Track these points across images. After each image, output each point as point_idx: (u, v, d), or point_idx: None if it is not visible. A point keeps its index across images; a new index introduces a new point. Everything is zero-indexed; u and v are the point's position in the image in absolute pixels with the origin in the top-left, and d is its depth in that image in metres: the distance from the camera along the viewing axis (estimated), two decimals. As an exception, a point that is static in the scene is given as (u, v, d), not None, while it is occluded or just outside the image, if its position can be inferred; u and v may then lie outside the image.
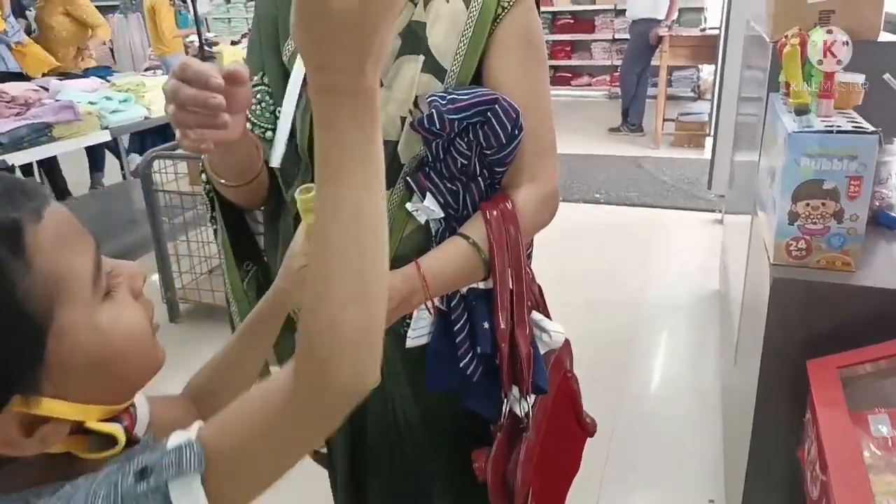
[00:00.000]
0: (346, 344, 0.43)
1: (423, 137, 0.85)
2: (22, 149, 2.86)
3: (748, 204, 2.00)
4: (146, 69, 5.09)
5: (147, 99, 3.48)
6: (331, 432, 0.48)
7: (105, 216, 4.14)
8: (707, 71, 7.17)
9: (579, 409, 1.03)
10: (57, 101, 3.19)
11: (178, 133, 0.72)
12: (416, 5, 0.88)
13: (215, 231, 1.00)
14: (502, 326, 0.87)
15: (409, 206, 0.88)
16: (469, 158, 0.87)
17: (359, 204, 0.44)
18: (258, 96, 0.95)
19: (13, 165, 2.79)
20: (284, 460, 0.47)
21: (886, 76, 1.33)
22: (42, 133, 2.96)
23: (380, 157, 0.46)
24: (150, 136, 4.21)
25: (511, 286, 0.88)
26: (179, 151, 2.69)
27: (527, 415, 0.91)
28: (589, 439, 1.06)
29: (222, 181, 0.88)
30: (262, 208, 1.01)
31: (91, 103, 3.25)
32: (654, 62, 5.87)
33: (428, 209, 0.88)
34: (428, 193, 0.88)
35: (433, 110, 0.82)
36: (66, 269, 0.46)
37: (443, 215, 0.89)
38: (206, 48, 5.71)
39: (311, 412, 0.45)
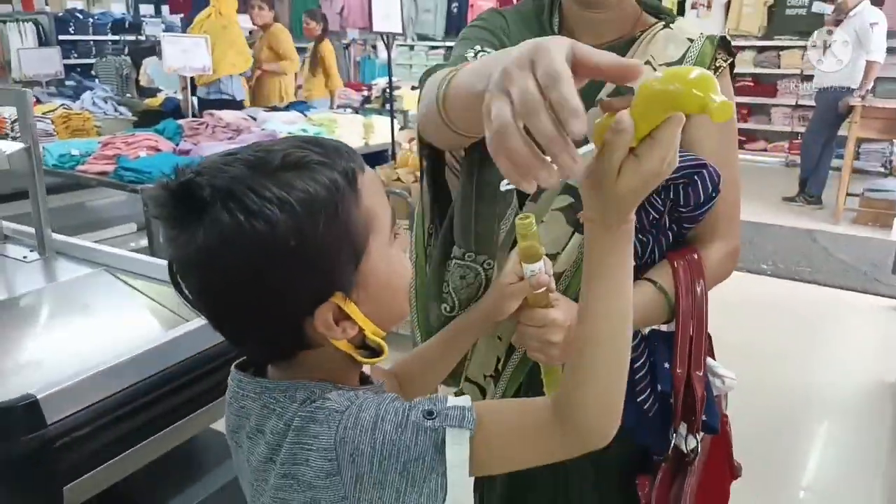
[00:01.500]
0: (601, 415, 0.60)
1: None
2: (231, 168, 3.30)
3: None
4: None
5: (337, 133, 3.87)
6: (570, 457, 0.62)
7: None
8: (903, 146, 6.55)
9: (730, 451, 1.06)
10: (263, 129, 3.65)
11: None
12: None
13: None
14: (678, 371, 0.92)
15: None
16: (661, 214, 0.92)
17: (621, 307, 0.62)
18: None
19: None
20: (528, 458, 0.63)
21: None
22: (248, 156, 3.40)
23: (631, 268, 0.63)
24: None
25: (692, 333, 0.92)
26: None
27: (693, 450, 0.95)
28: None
29: (454, 129, 0.80)
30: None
31: (290, 133, 3.68)
32: (840, 132, 5.49)
33: None
34: None
35: None
36: (378, 210, 0.61)
37: (633, 265, 0.95)
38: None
39: (561, 443, 0.61)
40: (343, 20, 9.56)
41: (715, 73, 0.93)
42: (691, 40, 0.95)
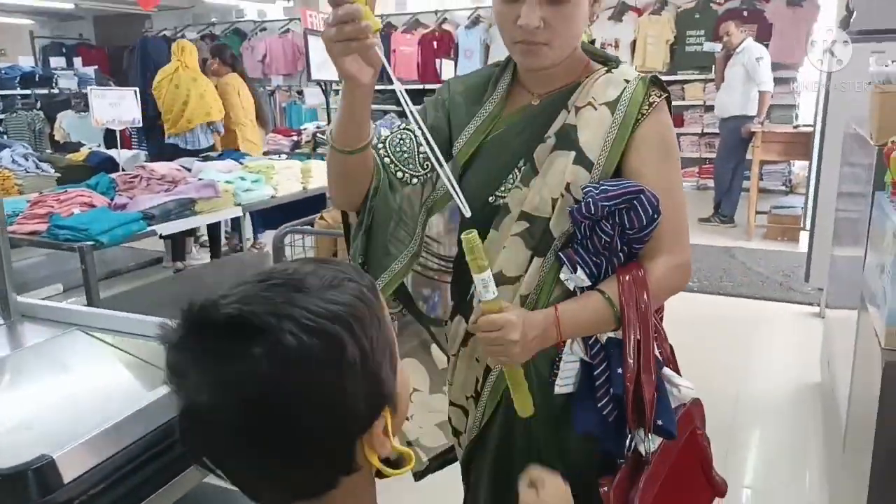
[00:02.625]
0: None
1: (574, 220, 1.02)
2: (169, 220, 3.25)
3: (852, 297, 2.03)
4: (265, 153, 5.65)
5: (275, 180, 3.88)
6: None
7: (227, 283, 4.51)
8: (799, 166, 7.15)
9: (708, 467, 1.12)
10: (199, 179, 3.62)
11: (334, 52, 0.89)
12: (569, 112, 1.07)
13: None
14: (628, 374, 1.00)
15: (562, 276, 1.05)
16: (612, 237, 1.02)
17: None
18: (403, 139, 1.13)
19: (160, 235, 3.17)
20: None
21: None
22: (186, 207, 3.35)
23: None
24: (274, 214, 4.58)
25: (638, 337, 1.02)
26: (308, 227, 2.99)
27: (649, 453, 1.02)
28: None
29: (337, 147, 1.01)
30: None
31: (228, 182, 3.66)
32: (746, 156, 5.94)
33: (578, 279, 1.05)
34: (578, 267, 1.04)
35: (588, 199, 0.99)
36: (393, 332, 0.63)
37: (590, 283, 1.05)
38: (319, 135, 6.25)
39: None
40: (265, 67, 9.58)
41: (649, 107, 1.05)
42: (628, 81, 1.07)
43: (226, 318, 0.53)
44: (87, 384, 1.23)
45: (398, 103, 7.90)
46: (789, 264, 4.75)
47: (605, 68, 1.11)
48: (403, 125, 1.15)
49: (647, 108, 1.05)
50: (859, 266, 1.84)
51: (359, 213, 1.13)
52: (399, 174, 1.12)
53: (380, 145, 1.13)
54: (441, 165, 0.96)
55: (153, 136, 5.15)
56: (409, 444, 1.30)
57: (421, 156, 1.12)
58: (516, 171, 1.09)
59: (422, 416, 1.30)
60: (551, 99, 1.10)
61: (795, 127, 5.98)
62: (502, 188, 1.09)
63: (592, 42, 7.91)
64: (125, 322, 1.38)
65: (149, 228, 3.07)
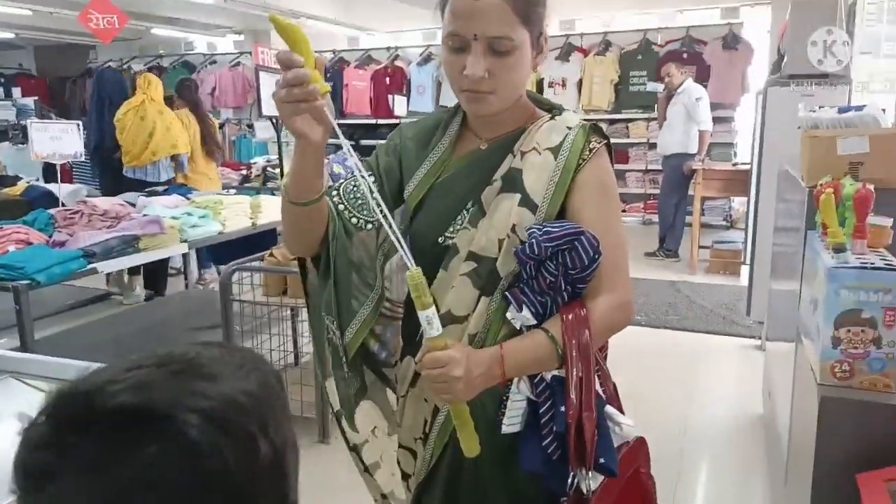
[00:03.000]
0: None
1: (520, 260, 1.05)
2: (111, 258, 3.14)
3: (790, 331, 2.11)
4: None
5: (223, 215, 3.81)
6: None
7: (171, 321, 4.38)
8: (738, 201, 7.45)
9: None
10: (144, 215, 3.53)
11: (284, 113, 0.93)
12: (514, 156, 1.11)
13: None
14: (570, 412, 1.02)
15: (509, 315, 1.08)
16: (556, 277, 1.05)
17: None
18: (356, 186, 1.16)
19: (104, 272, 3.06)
20: None
21: (912, 220, 1.50)
22: (129, 244, 3.25)
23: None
24: (222, 249, 4.49)
25: (580, 374, 1.03)
26: (256, 264, 2.94)
27: (590, 491, 1.04)
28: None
29: (291, 200, 1.04)
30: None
31: (174, 218, 3.58)
32: (690, 192, 6.16)
33: (525, 318, 1.06)
34: (524, 306, 1.06)
35: (532, 240, 1.02)
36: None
37: (535, 322, 1.07)
38: (270, 169, 6.21)
39: None
40: (214, 100, 9.48)
41: (590, 153, 1.10)
42: (570, 128, 1.13)
43: (115, 407, 0.44)
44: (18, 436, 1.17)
45: (351, 137, 7.87)
46: (731, 298, 4.91)
47: (550, 115, 1.16)
48: (356, 173, 1.16)
49: (587, 153, 1.10)
50: (795, 300, 1.92)
51: (314, 260, 1.15)
52: (353, 220, 1.15)
53: (333, 192, 1.16)
54: (386, 218, 0.98)
55: (108, 169, 5.04)
56: (383, 497, 1.28)
57: (374, 201, 1.14)
58: (465, 212, 1.12)
59: (391, 464, 1.27)
60: (498, 144, 1.14)
61: (734, 165, 6.26)
62: (451, 229, 1.12)
63: (541, 81, 8.18)
64: (61, 368, 1.33)
65: (89, 266, 2.97)
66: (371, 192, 1.02)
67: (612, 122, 8.33)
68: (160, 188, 4.40)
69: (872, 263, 1.27)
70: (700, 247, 5.81)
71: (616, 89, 8.16)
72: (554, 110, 1.17)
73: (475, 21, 1.01)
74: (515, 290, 1.07)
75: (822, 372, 1.31)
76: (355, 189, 1.16)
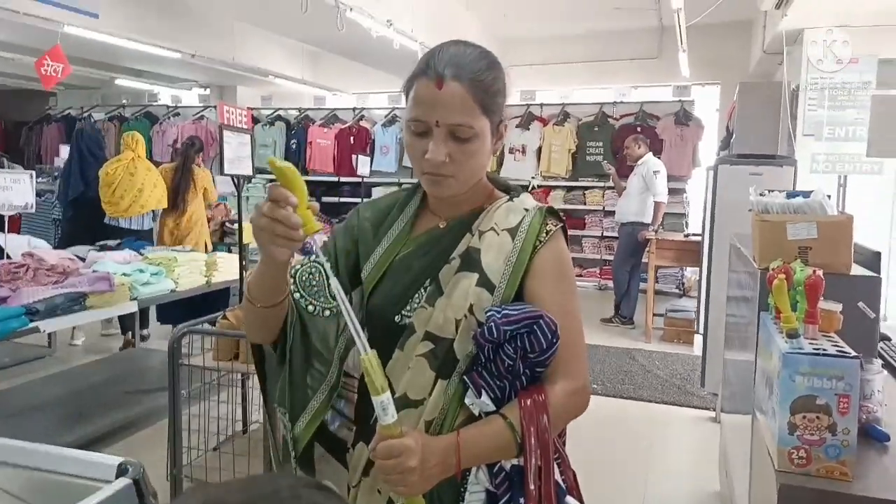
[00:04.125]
0: None
1: (478, 343, 1.04)
2: (55, 316, 3.02)
3: (744, 404, 2.13)
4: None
5: (177, 273, 3.72)
6: None
7: (115, 381, 4.19)
8: (690, 270, 7.66)
9: None
10: (94, 272, 3.41)
11: (261, 239, 0.93)
12: (472, 235, 1.13)
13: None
14: (530, 500, 0.99)
15: (467, 401, 1.06)
16: (514, 360, 1.04)
17: None
18: (313, 272, 1.14)
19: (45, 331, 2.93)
20: None
21: (861, 304, 1.56)
22: (76, 302, 3.13)
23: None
24: (169, 306, 4.38)
25: (539, 463, 1.01)
26: (208, 327, 2.85)
27: None
28: None
29: (257, 304, 1.05)
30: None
31: (125, 275, 3.47)
32: (644, 260, 6.31)
33: (483, 404, 1.04)
34: (483, 391, 1.04)
35: (491, 323, 1.02)
36: None
37: (495, 409, 1.05)
38: (228, 224, 6.13)
39: None
40: (175, 153, 9.38)
41: (546, 235, 1.12)
42: (527, 210, 1.15)
43: None
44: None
45: (313, 194, 7.88)
46: (686, 368, 4.98)
47: (508, 197, 1.18)
48: (312, 258, 1.15)
49: (544, 235, 1.12)
50: (749, 373, 1.94)
51: (273, 344, 1.13)
52: (310, 308, 1.13)
53: (290, 279, 1.13)
54: (343, 302, 0.96)
55: (81, 215, 5.32)
56: None
57: (331, 288, 1.12)
58: (422, 290, 1.11)
59: None
60: (457, 222, 1.16)
61: (686, 235, 6.45)
62: (408, 307, 1.11)
63: (502, 147, 8.40)
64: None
65: (31, 325, 2.84)
66: (327, 277, 1.02)
67: (569, 188, 8.55)
68: (112, 242, 4.29)
69: (825, 350, 1.30)
70: (655, 314, 5.91)
71: (573, 158, 8.42)
72: (512, 192, 1.20)
73: (437, 109, 1.04)
74: (473, 375, 1.05)
75: (780, 458, 1.31)
76: (311, 276, 1.14)
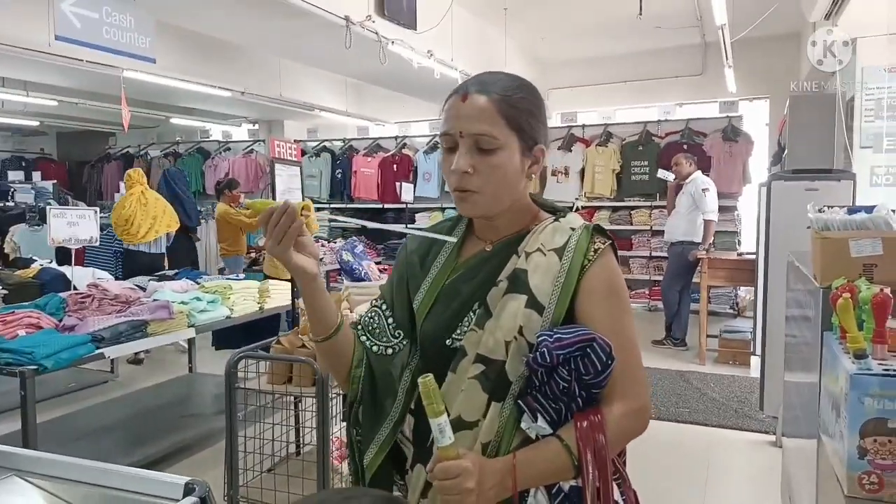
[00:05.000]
0: None
1: (531, 368, 1.04)
2: (120, 342, 3.14)
3: (808, 427, 2.05)
4: (220, 269, 5.63)
5: (231, 300, 3.82)
6: None
7: (172, 406, 4.31)
8: (743, 290, 7.45)
9: None
10: (154, 300, 3.54)
11: (279, 251, 1.05)
12: (519, 257, 1.13)
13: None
14: None
15: (523, 425, 1.05)
16: (570, 383, 1.03)
17: None
18: (373, 316, 1.22)
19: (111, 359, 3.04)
20: None
21: (930, 323, 1.49)
22: (138, 329, 3.26)
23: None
24: (232, 331, 4.49)
25: (598, 484, 1.00)
26: (262, 353, 2.91)
27: None
28: None
29: (313, 338, 1.16)
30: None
31: (183, 303, 3.59)
32: (694, 280, 6.17)
33: (540, 428, 1.04)
34: (539, 415, 1.04)
35: (543, 348, 1.01)
36: None
37: (552, 432, 1.04)
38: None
39: None
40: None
41: (595, 253, 1.11)
42: (573, 229, 1.14)
43: None
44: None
45: (363, 214, 8.12)
46: (743, 390, 4.83)
47: (553, 217, 1.18)
48: (372, 302, 1.26)
49: (592, 254, 1.11)
50: (813, 395, 1.87)
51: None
52: (375, 348, 1.19)
53: (359, 328, 1.22)
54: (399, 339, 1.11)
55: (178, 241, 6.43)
56: None
57: (391, 326, 1.19)
58: (471, 314, 1.12)
59: None
60: (502, 245, 1.16)
61: (739, 254, 6.30)
62: (458, 331, 1.12)
63: (544, 169, 8.49)
64: (66, 467, 1.29)
65: (97, 351, 2.96)
66: (386, 317, 1.15)
67: (615, 209, 8.46)
68: (170, 272, 4.44)
69: (895, 370, 1.25)
70: (708, 336, 5.76)
71: (618, 178, 8.34)
72: (558, 213, 1.20)
73: (462, 119, 1.08)
74: (528, 399, 1.05)
75: (850, 483, 1.27)
76: (371, 320, 1.22)
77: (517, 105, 1.09)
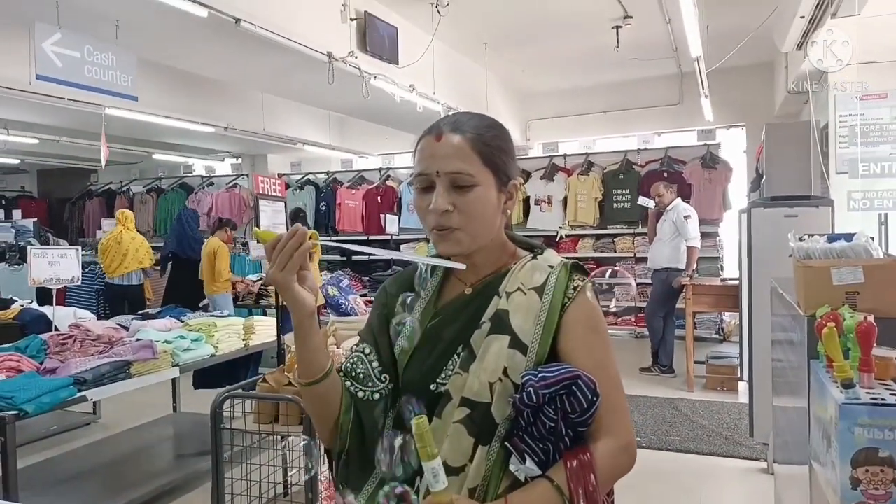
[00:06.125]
0: None
1: (517, 409, 1.03)
2: (103, 384, 3.08)
3: (799, 453, 2.05)
4: (202, 306, 5.58)
5: (216, 338, 3.78)
6: None
7: (157, 447, 4.23)
8: (728, 315, 7.50)
9: None
10: (138, 340, 3.49)
11: (281, 278, 1.03)
12: (500, 297, 1.13)
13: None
14: None
15: (512, 467, 1.04)
16: (556, 422, 1.03)
17: None
18: (357, 361, 1.19)
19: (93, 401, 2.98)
20: None
21: (914, 349, 1.51)
22: (121, 370, 3.20)
23: None
24: (210, 371, 4.45)
25: None
26: (250, 392, 2.87)
27: None
28: None
29: (301, 381, 1.11)
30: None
31: (167, 342, 3.54)
32: (679, 305, 6.21)
33: (529, 469, 1.03)
34: (527, 456, 1.03)
35: (529, 388, 1.01)
36: None
37: (541, 473, 1.03)
38: (263, 288, 6.23)
39: None
40: (210, 220, 9.66)
41: (574, 291, 1.12)
42: (552, 267, 1.15)
43: None
44: None
45: (343, 253, 8.08)
46: (732, 416, 4.83)
47: (531, 255, 1.19)
48: (353, 348, 1.22)
49: (572, 291, 1.12)
50: (803, 421, 1.87)
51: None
52: (360, 394, 1.16)
53: (341, 374, 1.18)
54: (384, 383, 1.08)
55: (179, 275, 7.00)
56: None
57: (376, 371, 1.17)
58: (455, 357, 1.11)
59: None
60: (483, 286, 1.17)
61: (723, 280, 6.36)
62: (443, 375, 1.11)
63: (527, 199, 8.48)
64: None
65: (79, 394, 2.91)
66: (369, 362, 1.12)
67: (598, 237, 8.53)
68: (153, 310, 4.39)
69: (884, 399, 1.26)
70: (696, 362, 5.77)
71: (600, 206, 8.43)
72: (536, 250, 1.21)
73: (437, 159, 1.08)
74: (515, 440, 1.04)
75: (845, 513, 1.26)
76: (355, 365, 1.19)
77: (490, 143, 1.11)
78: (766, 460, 3.85)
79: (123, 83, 4.44)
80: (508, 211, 1.16)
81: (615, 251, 8.39)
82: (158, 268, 7.29)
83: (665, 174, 8.04)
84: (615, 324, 8.35)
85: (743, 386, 5.08)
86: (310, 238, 1.04)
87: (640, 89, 8.61)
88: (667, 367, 6.18)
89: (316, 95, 6.73)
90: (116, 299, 6.93)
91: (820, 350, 1.58)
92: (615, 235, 8.44)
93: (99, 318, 4.79)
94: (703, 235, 7.80)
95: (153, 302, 7.10)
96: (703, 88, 6.44)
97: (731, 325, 7.54)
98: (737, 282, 5.55)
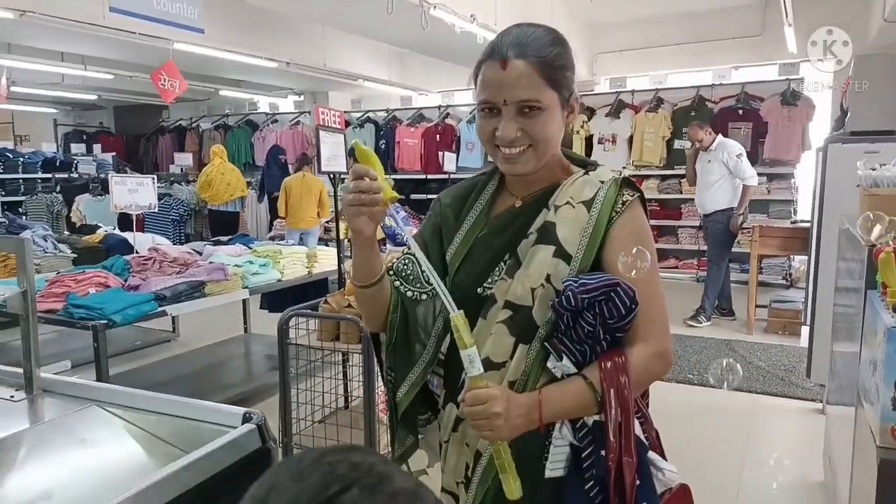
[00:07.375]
0: None
1: (556, 312, 1.09)
2: (180, 301, 3.31)
3: (850, 393, 2.04)
4: (270, 237, 5.81)
5: (282, 264, 3.97)
6: None
7: (228, 363, 4.55)
8: (799, 260, 7.23)
9: None
10: (210, 263, 3.71)
11: (349, 213, 1.05)
12: (549, 210, 1.16)
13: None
14: (611, 455, 1.04)
15: (549, 364, 1.11)
16: (594, 326, 1.08)
17: None
18: (407, 263, 1.25)
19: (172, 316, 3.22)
20: None
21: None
22: (196, 289, 3.43)
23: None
24: (281, 296, 4.68)
25: (619, 419, 1.06)
26: (312, 311, 3.04)
27: None
28: None
29: (357, 283, 1.17)
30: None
31: (237, 266, 3.75)
32: (746, 250, 5.98)
33: (565, 367, 1.10)
34: (564, 355, 1.10)
35: (569, 293, 1.06)
36: None
37: (576, 371, 1.10)
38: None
39: None
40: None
41: (623, 205, 1.14)
42: (603, 182, 1.17)
43: None
44: (103, 457, 1.27)
45: (402, 192, 8.18)
46: (791, 359, 4.76)
47: (584, 171, 1.21)
48: (406, 250, 1.28)
49: (620, 206, 1.15)
50: (856, 362, 1.87)
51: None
52: (409, 293, 1.23)
53: (391, 272, 1.26)
54: (432, 274, 1.07)
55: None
56: None
57: (424, 274, 1.22)
58: (502, 264, 1.17)
59: None
60: (533, 199, 1.20)
61: (793, 222, 6.11)
62: (489, 280, 1.17)
63: (591, 137, 8.20)
64: (139, 399, 1.43)
65: (160, 309, 3.14)
66: (419, 263, 1.14)
67: (664, 177, 8.29)
68: (224, 238, 4.63)
69: (933, 323, 1.26)
70: (758, 306, 5.65)
71: (668, 145, 8.14)
72: (588, 166, 1.23)
73: (504, 88, 1.09)
74: (554, 341, 1.10)
75: (882, 433, 1.29)
76: (405, 267, 1.25)
77: (554, 63, 1.11)
78: (821, 401, 3.81)
79: (190, 15, 4.56)
80: (570, 124, 1.18)
81: (681, 192, 8.13)
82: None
83: (740, 111, 7.66)
84: (676, 267, 8.20)
85: (805, 330, 4.97)
86: (389, 200, 1.05)
87: (718, 19, 8.11)
88: (726, 310, 6.04)
89: (375, 27, 6.66)
90: (222, 225, 7.79)
91: (878, 279, 1.56)
92: (682, 176, 8.14)
93: (175, 244, 5.09)
94: (777, 177, 7.48)
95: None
96: (786, 16, 6.03)
97: (800, 271, 7.29)
98: (808, 224, 5.35)
